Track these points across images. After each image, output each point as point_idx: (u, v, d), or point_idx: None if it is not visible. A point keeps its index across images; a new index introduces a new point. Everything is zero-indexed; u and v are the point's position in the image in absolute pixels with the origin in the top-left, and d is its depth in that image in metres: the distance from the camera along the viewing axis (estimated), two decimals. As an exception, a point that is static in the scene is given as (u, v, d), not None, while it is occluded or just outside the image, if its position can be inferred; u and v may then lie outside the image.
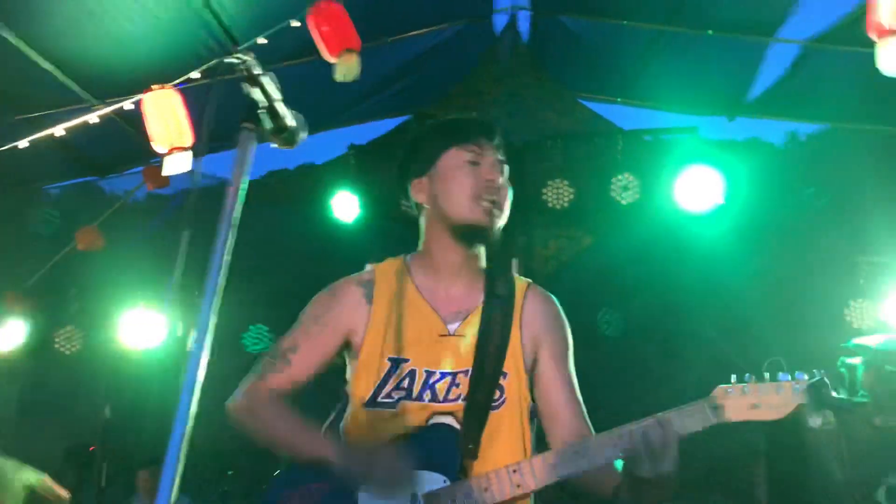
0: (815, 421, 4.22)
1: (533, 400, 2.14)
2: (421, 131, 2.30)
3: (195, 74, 4.93)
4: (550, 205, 6.05)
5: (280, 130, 1.58)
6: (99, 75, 5.43)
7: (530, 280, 2.25)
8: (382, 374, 2.05)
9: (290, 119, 1.57)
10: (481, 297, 2.15)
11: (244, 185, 1.41)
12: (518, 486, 1.89)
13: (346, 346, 2.14)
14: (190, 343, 1.29)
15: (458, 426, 2.00)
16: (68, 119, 5.40)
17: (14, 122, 5.74)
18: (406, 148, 2.29)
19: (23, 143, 5.24)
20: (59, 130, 5.29)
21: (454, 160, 2.12)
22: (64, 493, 3.81)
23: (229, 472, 3.82)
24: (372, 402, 2.04)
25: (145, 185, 6.75)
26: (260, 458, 5.02)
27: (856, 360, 4.52)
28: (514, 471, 1.90)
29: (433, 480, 1.93)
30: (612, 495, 1.94)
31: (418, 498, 1.90)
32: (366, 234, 6.20)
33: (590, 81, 6.62)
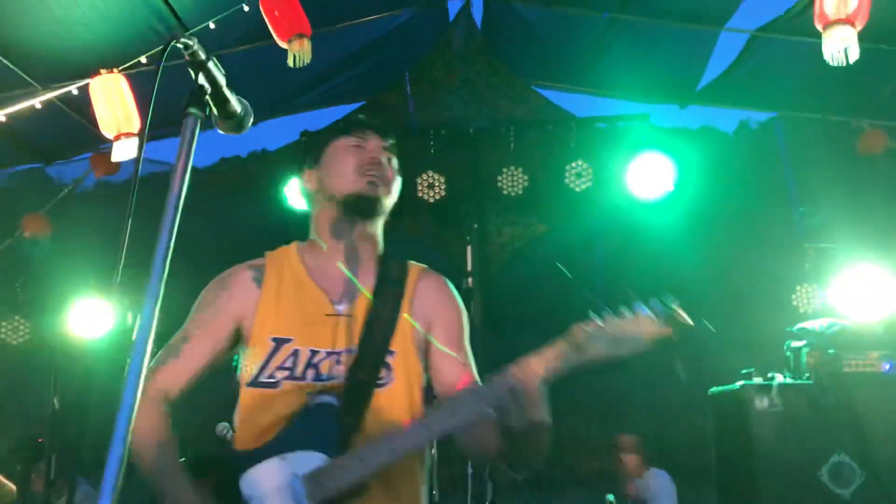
0: (760, 403, 4.34)
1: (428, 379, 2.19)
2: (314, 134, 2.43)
3: (143, 59, 4.84)
4: (505, 192, 6.07)
5: (226, 116, 1.56)
6: (43, 60, 5.29)
7: (426, 266, 2.30)
8: (266, 354, 2.07)
9: (235, 104, 1.55)
10: (373, 280, 2.19)
11: (188, 171, 1.39)
12: (392, 450, 1.89)
13: (239, 333, 2.16)
14: (134, 332, 1.27)
15: (337, 404, 2.02)
16: (11, 104, 5.26)
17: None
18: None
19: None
20: (0, 116, 5.15)
21: (339, 146, 2.20)
22: (11, 487, 3.72)
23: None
24: (254, 381, 2.07)
25: (93, 173, 6.63)
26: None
27: (800, 344, 4.65)
28: (391, 438, 1.91)
29: (313, 459, 1.94)
30: (497, 456, 2.01)
31: (298, 478, 1.92)
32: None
33: (543, 69, 6.65)
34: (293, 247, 2.27)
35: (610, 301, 1.90)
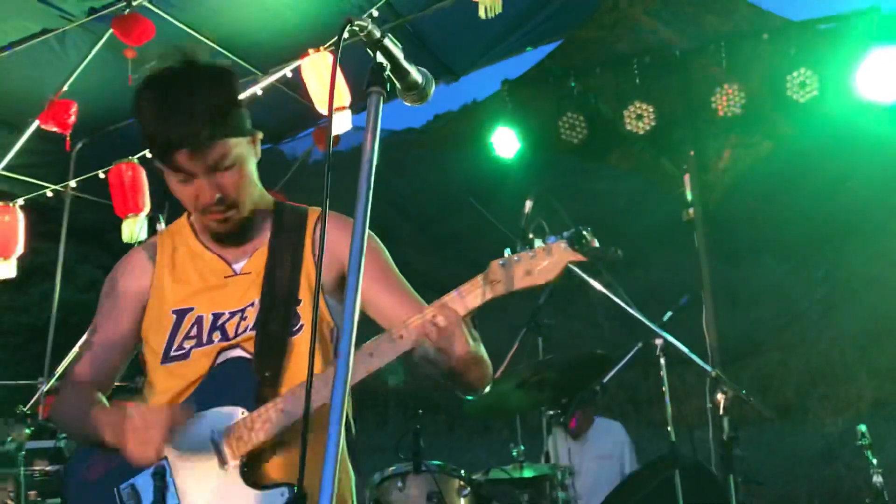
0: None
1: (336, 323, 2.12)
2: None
3: (346, 35, 5.06)
4: (721, 113, 5.73)
5: (408, 88, 1.62)
6: (260, 48, 5.72)
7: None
8: (170, 328, 2.04)
9: (416, 76, 1.60)
10: (264, 235, 2.12)
11: (376, 147, 1.45)
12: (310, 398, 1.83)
13: (141, 313, 2.13)
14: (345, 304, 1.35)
15: (248, 356, 1.99)
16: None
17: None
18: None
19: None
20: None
21: (168, 177, 2.00)
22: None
23: (420, 411, 4.02)
24: (165, 357, 2.03)
25: (316, 147, 7.10)
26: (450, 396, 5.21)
27: None
28: (302, 385, 1.87)
29: (230, 414, 1.92)
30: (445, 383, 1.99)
31: (215, 435, 1.90)
32: (528, 167, 6.18)
33: (751, -26, 6.14)
34: (184, 219, 2.21)
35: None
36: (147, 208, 5.35)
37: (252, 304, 2.05)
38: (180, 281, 2.10)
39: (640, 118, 5.86)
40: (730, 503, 3.51)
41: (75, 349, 2.36)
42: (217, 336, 2.03)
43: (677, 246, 6.16)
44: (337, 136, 6.74)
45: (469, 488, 3.72)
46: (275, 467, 1.94)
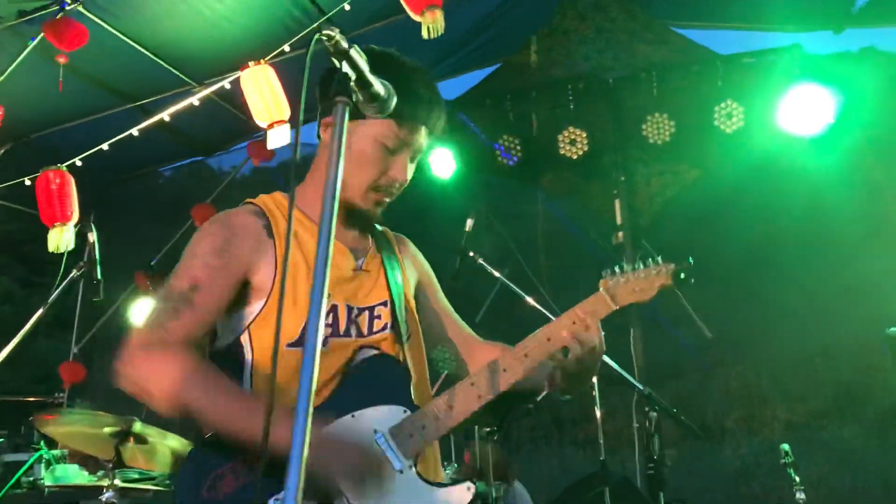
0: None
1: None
2: (387, 65, 1.92)
3: (286, 48, 5.04)
4: (651, 140, 5.90)
5: (371, 100, 1.62)
6: (196, 58, 5.64)
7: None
8: (306, 311, 1.90)
9: (379, 87, 1.61)
10: (370, 235, 2.13)
11: (342, 157, 1.46)
12: (479, 396, 1.87)
13: (245, 287, 1.92)
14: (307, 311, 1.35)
15: (390, 356, 1.99)
16: (172, 103, 5.64)
17: (127, 109, 6.05)
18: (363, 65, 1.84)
19: (134, 132, 5.51)
20: (165, 116, 5.53)
21: (370, 132, 1.95)
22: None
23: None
24: (300, 341, 1.86)
25: (251, 160, 7.01)
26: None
27: None
28: (472, 384, 1.88)
29: (393, 413, 1.86)
30: (548, 387, 2.08)
31: (381, 434, 1.83)
32: (464, 189, 6.23)
33: (680, 8, 6.38)
34: (282, 196, 2.08)
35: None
36: (75, 217, 5.19)
37: (384, 304, 2.05)
38: (311, 264, 1.94)
39: (573, 143, 5.99)
40: (659, 520, 3.59)
41: (158, 302, 1.89)
42: (353, 330, 1.97)
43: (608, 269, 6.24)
44: (272, 151, 6.71)
45: None
46: (431, 465, 1.96)
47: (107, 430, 3.61)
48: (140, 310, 7.17)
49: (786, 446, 3.84)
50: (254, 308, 1.91)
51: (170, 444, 3.82)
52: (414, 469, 1.82)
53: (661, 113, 5.81)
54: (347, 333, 1.96)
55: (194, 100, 5.42)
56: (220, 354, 1.92)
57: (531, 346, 1.92)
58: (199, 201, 7.21)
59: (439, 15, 4.32)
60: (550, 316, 3.89)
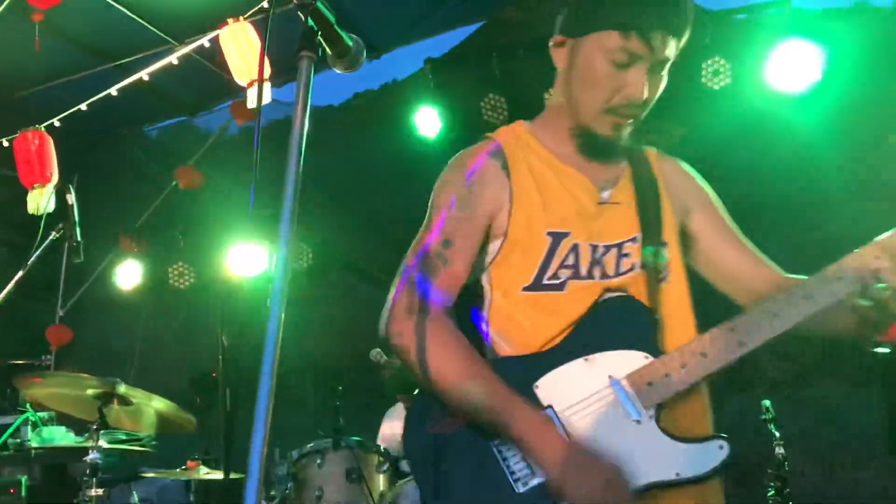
0: None
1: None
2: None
3: (265, 4, 4.95)
4: (637, 98, 5.84)
5: (340, 55, 1.59)
6: (175, 16, 5.53)
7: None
8: (544, 252, 1.77)
9: (348, 42, 1.57)
10: (624, 160, 1.91)
11: (307, 113, 1.43)
12: (741, 343, 1.65)
13: (489, 231, 1.85)
14: (271, 267, 1.33)
15: (635, 297, 1.76)
16: (152, 62, 5.55)
17: (106, 69, 5.95)
18: None
19: (113, 91, 5.43)
20: (144, 75, 5.44)
21: (602, 45, 1.75)
22: (190, 418, 4.08)
23: (340, 388, 4.00)
24: (536, 284, 1.76)
25: (234, 120, 6.92)
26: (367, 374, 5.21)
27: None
28: (733, 328, 1.66)
29: (632, 359, 1.68)
30: (854, 327, 1.72)
31: (617, 380, 1.67)
32: (450, 147, 6.18)
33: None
34: (522, 127, 1.96)
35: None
36: (55, 178, 5.13)
37: (634, 240, 1.81)
38: (553, 200, 1.82)
39: (560, 101, 5.92)
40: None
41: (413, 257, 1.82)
42: (597, 272, 1.78)
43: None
44: (254, 109, 6.62)
45: (388, 464, 3.74)
46: (688, 418, 1.71)
47: (90, 392, 3.63)
48: (126, 272, 7.15)
49: (766, 402, 3.87)
50: (492, 248, 1.84)
51: (155, 405, 3.84)
52: (654, 420, 1.64)
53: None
54: (590, 275, 1.77)
55: (173, 58, 5.33)
56: (464, 294, 1.82)
57: (812, 286, 1.67)
58: (185, 162, 7.14)
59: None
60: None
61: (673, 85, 5.78)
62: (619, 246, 1.80)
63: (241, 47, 4.72)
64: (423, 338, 1.70)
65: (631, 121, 1.82)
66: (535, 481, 1.62)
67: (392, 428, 5.15)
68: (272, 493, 3.69)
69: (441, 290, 1.77)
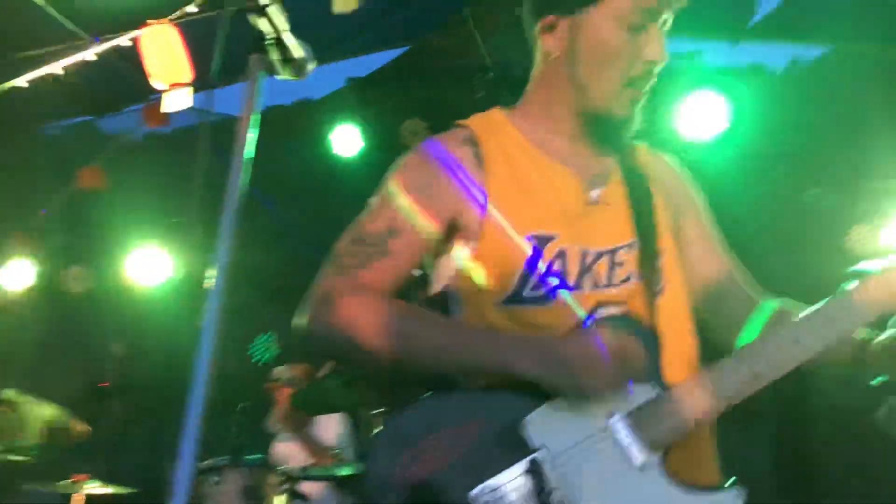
0: None
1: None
2: None
3: (192, 8, 4.85)
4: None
5: (289, 61, 1.57)
6: (93, 11, 5.34)
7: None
8: (526, 258, 1.54)
9: (298, 49, 1.56)
10: (613, 157, 1.72)
11: (255, 118, 1.41)
12: (756, 375, 1.44)
13: (453, 228, 1.62)
14: (208, 281, 1.30)
15: (635, 316, 1.53)
16: (63, 57, 5.34)
17: (15, 61, 5.68)
18: None
19: (21, 82, 5.19)
20: (56, 69, 5.23)
21: (612, 13, 1.59)
22: (82, 428, 3.90)
23: (240, 405, 3.91)
24: (516, 297, 1.53)
25: (144, 124, 6.72)
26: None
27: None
28: (742, 360, 1.46)
29: (637, 392, 1.44)
30: (852, 359, 1.59)
31: (618, 417, 1.43)
32: (368, 168, 6.18)
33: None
34: (499, 114, 1.75)
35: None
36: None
37: (629, 246, 1.60)
38: (532, 198, 1.59)
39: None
40: None
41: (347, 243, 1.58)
42: (588, 282, 1.55)
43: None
44: (167, 116, 6.45)
45: (287, 484, 3.66)
46: (695, 462, 1.51)
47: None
48: (13, 272, 6.80)
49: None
50: (461, 253, 1.60)
51: (44, 413, 3.66)
52: (660, 466, 1.41)
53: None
54: (579, 286, 1.55)
55: (89, 54, 5.15)
56: (430, 304, 1.63)
57: (837, 312, 1.49)
58: (86, 163, 6.87)
59: (354, -10, 4.25)
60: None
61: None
62: (613, 252, 1.59)
63: (163, 50, 4.60)
64: (364, 311, 1.48)
65: (647, 90, 1.66)
66: None
67: (287, 447, 5.04)
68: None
69: (375, 281, 1.54)
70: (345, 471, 4.08)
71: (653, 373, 1.47)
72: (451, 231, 1.62)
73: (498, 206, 1.58)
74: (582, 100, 1.65)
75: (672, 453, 1.44)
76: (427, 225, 1.59)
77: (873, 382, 1.64)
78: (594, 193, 1.65)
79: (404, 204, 1.59)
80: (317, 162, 6.41)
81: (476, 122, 1.72)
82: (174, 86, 4.63)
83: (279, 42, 1.51)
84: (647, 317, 1.56)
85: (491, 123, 1.72)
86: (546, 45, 1.68)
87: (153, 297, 6.26)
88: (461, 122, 1.74)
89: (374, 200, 1.66)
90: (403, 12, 5.88)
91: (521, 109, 1.75)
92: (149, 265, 6.42)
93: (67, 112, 7.17)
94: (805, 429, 4.28)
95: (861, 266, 4.78)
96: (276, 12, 1.47)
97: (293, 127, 7.36)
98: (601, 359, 1.38)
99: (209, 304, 1.27)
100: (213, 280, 1.28)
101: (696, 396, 1.44)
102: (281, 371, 4.41)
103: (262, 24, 1.48)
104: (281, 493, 3.65)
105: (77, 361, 7.62)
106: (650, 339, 1.49)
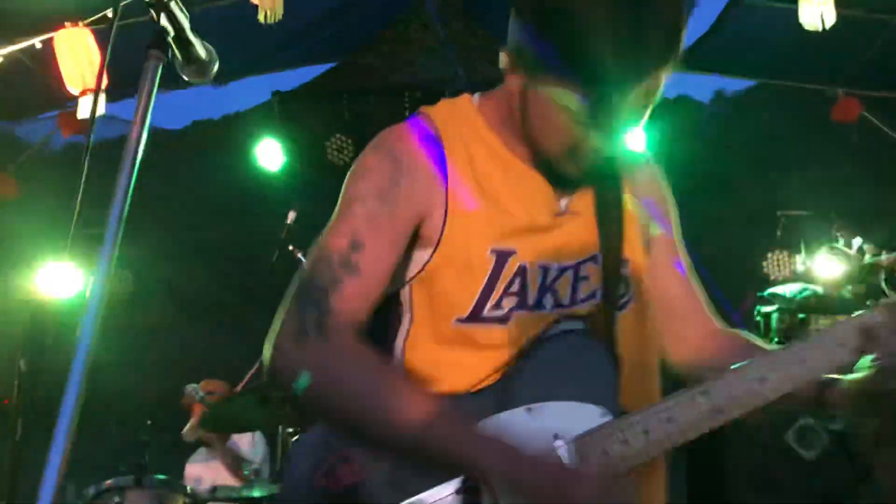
0: None
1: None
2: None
3: (109, 13, 4.72)
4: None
5: (190, 61, 1.51)
6: (3, 11, 5.15)
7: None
8: (486, 275, 1.40)
9: (200, 49, 1.50)
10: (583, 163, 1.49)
11: (148, 118, 1.34)
12: (716, 409, 1.32)
13: (413, 236, 1.45)
14: (88, 291, 1.22)
15: (590, 330, 1.43)
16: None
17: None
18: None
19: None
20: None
21: (558, 103, 1.34)
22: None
23: (149, 422, 3.77)
24: (474, 316, 1.40)
25: (60, 132, 6.49)
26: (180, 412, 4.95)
27: (771, 308, 4.69)
28: (704, 392, 1.33)
29: (585, 414, 1.32)
30: (814, 400, 1.44)
31: (564, 442, 1.30)
32: (291, 182, 6.10)
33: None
34: (469, 104, 1.54)
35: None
36: None
37: (592, 259, 1.46)
38: (496, 207, 1.44)
39: (405, 150, 6.01)
40: None
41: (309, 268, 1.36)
42: (549, 301, 1.43)
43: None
44: (85, 122, 6.25)
45: (193, 506, 3.54)
46: (645, 495, 1.40)
47: None
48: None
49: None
50: (419, 257, 1.44)
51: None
52: None
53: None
54: (539, 305, 1.42)
55: (-2, 55, 4.95)
56: (376, 310, 1.43)
57: (810, 353, 1.37)
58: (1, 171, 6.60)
59: (279, 1, 4.21)
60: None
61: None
62: (577, 267, 1.46)
63: (78, 54, 4.45)
64: (319, 364, 1.30)
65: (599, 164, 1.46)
66: None
67: (196, 470, 4.90)
68: (61, 532, 3.37)
69: (346, 307, 1.35)
70: (256, 492, 3.96)
71: (608, 398, 1.35)
72: (414, 238, 1.45)
73: (458, 214, 1.43)
74: (534, 144, 1.45)
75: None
76: (393, 233, 1.42)
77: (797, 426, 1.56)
78: (563, 202, 1.49)
79: (367, 211, 1.42)
80: (241, 175, 6.31)
81: (441, 112, 1.52)
82: (88, 90, 4.49)
83: (181, 40, 1.45)
84: (609, 333, 1.44)
85: (458, 114, 1.52)
86: (506, 74, 1.45)
87: (62, 311, 6.00)
88: (425, 108, 1.54)
89: (336, 211, 1.47)
90: (332, 28, 5.85)
91: (493, 98, 1.53)
92: (58, 278, 6.17)
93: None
94: (715, 451, 4.34)
95: (774, 290, 4.86)
96: (177, 9, 1.41)
97: (221, 140, 7.24)
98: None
99: (86, 316, 1.19)
100: (92, 291, 1.20)
101: (650, 427, 1.31)
102: (191, 390, 4.28)
103: (163, 21, 1.41)
104: (187, 515, 3.52)
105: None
106: (610, 359, 1.40)
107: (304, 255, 4.04)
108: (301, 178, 6.27)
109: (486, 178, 1.46)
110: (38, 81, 5.80)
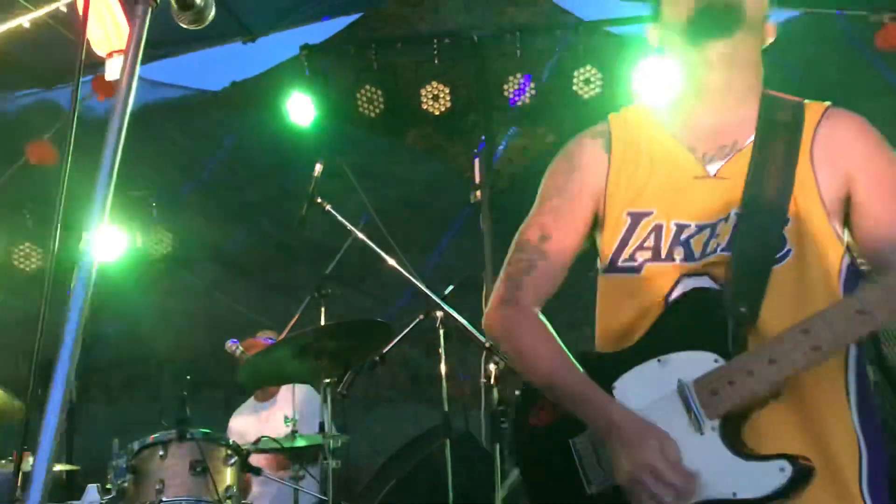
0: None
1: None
2: None
3: (130, -29, 4.69)
4: (512, 102, 5.95)
5: (185, 7, 1.48)
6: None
7: (829, 102, 1.76)
8: (621, 232, 1.72)
9: (193, -7, 1.46)
10: (753, 128, 1.71)
11: (137, 65, 1.32)
12: (815, 347, 1.46)
13: (596, 216, 1.81)
14: (81, 248, 1.20)
15: (716, 286, 1.61)
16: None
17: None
18: None
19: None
20: (-8, 37, 5.05)
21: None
22: (20, 405, 3.80)
23: (188, 377, 3.83)
24: (612, 266, 1.73)
25: (96, 96, 6.53)
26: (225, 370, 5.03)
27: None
28: (806, 330, 1.46)
29: (701, 361, 1.55)
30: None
31: (686, 387, 1.54)
32: (324, 138, 6.06)
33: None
34: (645, 107, 1.86)
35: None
36: None
37: (726, 219, 1.64)
38: (639, 177, 1.73)
39: (436, 98, 5.95)
40: (496, 471, 3.64)
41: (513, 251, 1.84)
42: (679, 254, 1.66)
43: (469, 229, 6.36)
44: (113, 83, 6.28)
45: (236, 457, 3.60)
46: (759, 432, 1.54)
47: None
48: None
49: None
50: (598, 233, 1.82)
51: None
52: (718, 432, 1.50)
53: (522, 74, 5.85)
54: (669, 258, 1.67)
55: (24, 20, 4.97)
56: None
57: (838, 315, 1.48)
58: (38, 137, 6.67)
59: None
60: (411, 278, 3.85)
61: (547, 91, 5.90)
62: (713, 226, 1.65)
63: (102, 15, 4.44)
64: (510, 331, 1.77)
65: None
66: (607, 483, 1.60)
67: (241, 423, 5.00)
68: (107, 486, 3.47)
69: (535, 286, 1.78)
70: (299, 442, 4.03)
71: (721, 345, 1.56)
72: (596, 218, 1.80)
73: (611, 187, 1.76)
74: (676, 31, 1.74)
75: (741, 421, 1.53)
76: (574, 222, 1.79)
77: None
78: (712, 168, 1.70)
79: (551, 207, 1.80)
80: (276, 133, 6.29)
81: (618, 114, 1.87)
82: (115, 52, 4.48)
83: (172, -16, 1.42)
84: (739, 284, 1.60)
85: (630, 113, 1.85)
86: (651, 42, 1.85)
87: (108, 274, 6.11)
88: (611, 114, 1.88)
89: (532, 207, 1.85)
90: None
91: (665, 100, 1.83)
92: (104, 241, 6.29)
93: (16, 84, 6.95)
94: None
95: None
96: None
97: (259, 97, 7.21)
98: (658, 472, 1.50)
99: (79, 277, 1.17)
100: (84, 251, 1.18)
101: (753, 368, 1.50)
102: (231, 345, 4.34)
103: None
104: (230, 465, 3.58)
105: (24, 340, 7.49)
106: (722, 310, 1.58)
107: (333, 208, 4.03)
108: (332, 132, 6.23)
109: (634, 151, 1.76)
110: (72, 47, 5.83)
